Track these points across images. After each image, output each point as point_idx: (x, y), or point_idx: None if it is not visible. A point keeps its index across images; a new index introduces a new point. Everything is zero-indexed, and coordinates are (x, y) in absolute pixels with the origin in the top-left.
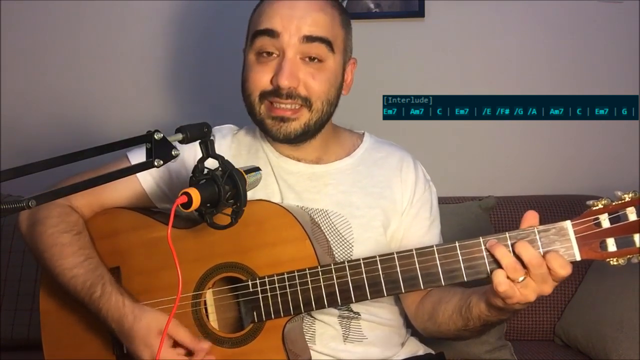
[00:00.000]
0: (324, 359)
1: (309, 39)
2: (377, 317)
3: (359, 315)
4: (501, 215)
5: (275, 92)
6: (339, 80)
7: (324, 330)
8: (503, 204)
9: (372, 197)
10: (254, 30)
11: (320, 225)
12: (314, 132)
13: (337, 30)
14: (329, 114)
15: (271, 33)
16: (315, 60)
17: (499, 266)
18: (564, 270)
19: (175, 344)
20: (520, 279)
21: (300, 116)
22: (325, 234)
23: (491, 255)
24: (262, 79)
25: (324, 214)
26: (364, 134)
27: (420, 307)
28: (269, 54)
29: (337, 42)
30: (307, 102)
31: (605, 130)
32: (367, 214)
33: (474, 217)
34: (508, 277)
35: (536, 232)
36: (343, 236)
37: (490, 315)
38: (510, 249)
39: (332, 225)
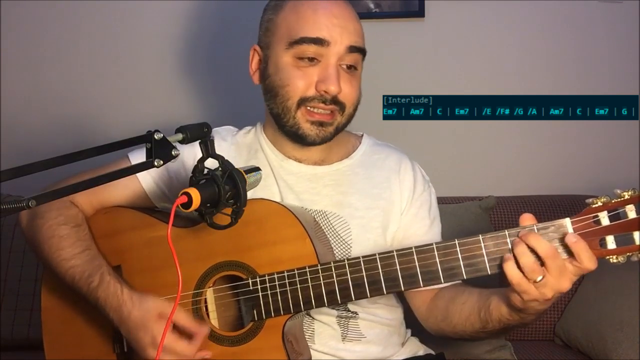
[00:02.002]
0: (325, 358)
1: (352, 49)
2: (375, 316)
3: (357, 314)
4: (501, 215)
5: (319, 98)
6: None
7: (322, 330)
8: (503, 204)
9: (372, 199)
10: (299, 37)
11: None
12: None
13: (364, 38)
14: (352, 118)
15: (321, 42)
16: (352, 68)
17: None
18: (591, 263)
19: (174, 329)
20: (539, 278)
21: (334, 120)
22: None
23: (510, 250)
24: (303, 84)
25: (322, 215)
26: (362, 135)
27: (433, 307)
28: (311, 59)
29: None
30: (342, 107)
31: (605, 130)
32: (366, 215)
33: (474, 217)
34: (525, 277)
35: (535, 230)
36: (341, 237)
37: (511, 319)
38: (510, 247)
39: (331, 226)
